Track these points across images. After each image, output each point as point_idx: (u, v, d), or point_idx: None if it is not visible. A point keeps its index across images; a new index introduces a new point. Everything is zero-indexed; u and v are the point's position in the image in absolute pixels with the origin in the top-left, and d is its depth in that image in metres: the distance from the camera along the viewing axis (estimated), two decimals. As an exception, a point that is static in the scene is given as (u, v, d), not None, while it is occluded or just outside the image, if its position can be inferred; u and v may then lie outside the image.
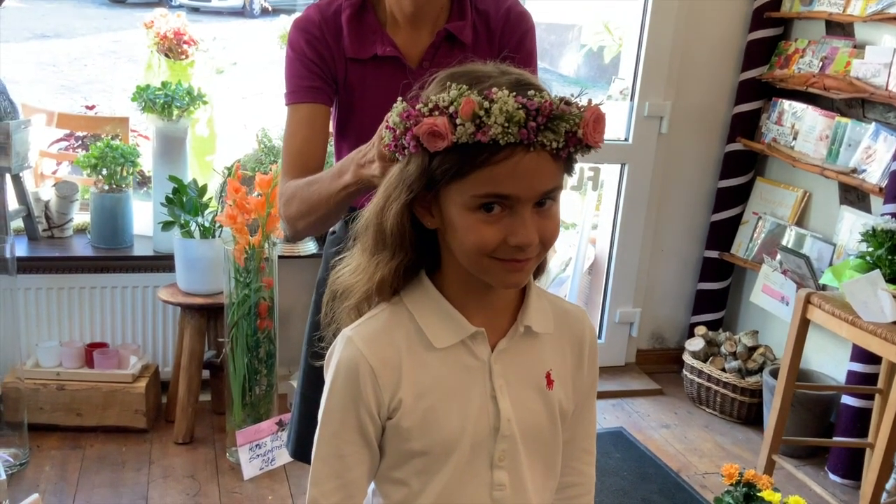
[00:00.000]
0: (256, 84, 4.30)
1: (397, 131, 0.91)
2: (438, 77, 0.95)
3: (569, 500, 1.11)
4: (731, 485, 2.40)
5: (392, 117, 0.92)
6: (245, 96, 4.24)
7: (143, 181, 3.30)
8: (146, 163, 3.14)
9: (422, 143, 0.89)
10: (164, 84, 2.90)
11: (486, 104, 0.86)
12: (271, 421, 2.69)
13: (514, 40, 1.43)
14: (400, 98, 0.93)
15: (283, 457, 2.70)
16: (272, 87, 3.74)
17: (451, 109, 0.87)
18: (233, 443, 2.68)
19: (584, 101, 0.90)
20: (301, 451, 1.57)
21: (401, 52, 1.41)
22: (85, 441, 2.76)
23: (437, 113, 0.88)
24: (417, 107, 0.89)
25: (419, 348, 0.98)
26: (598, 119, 0.90)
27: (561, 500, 1.10)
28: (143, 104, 2.84)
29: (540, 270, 1.03)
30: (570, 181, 0.97)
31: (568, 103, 0.89)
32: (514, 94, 0.87)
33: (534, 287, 1.03)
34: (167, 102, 2.83)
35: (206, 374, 2.95)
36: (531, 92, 0.88)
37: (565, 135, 0.88)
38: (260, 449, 2.64)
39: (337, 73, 1.42)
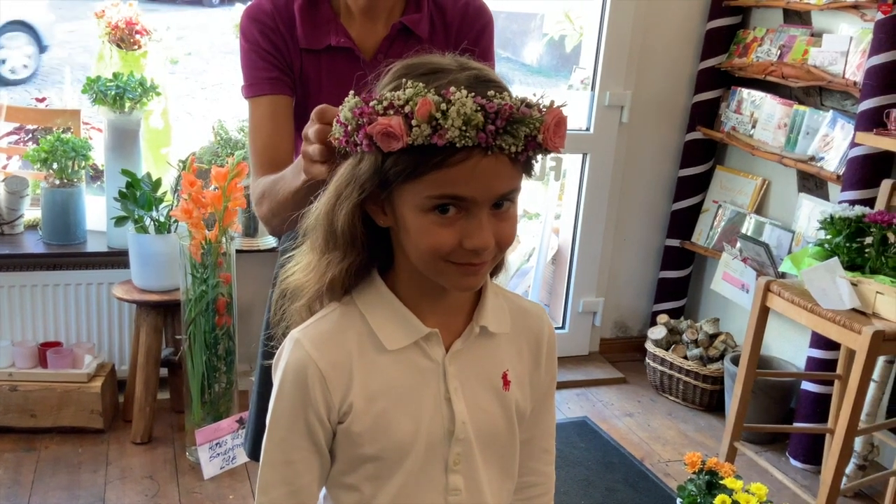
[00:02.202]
0: (212, 75, 4.23)
1: (349, 127, 0.88)
2: (393, 69, 0.91)
3: (528, 501, 1.09)
4: (694, 473, 2.41)
5: (344, 112, 0.88)
6: (201, 87, 4.17)
7: (96, 175, 3.22)
8: (98, 156, 3.06)
9: (375, 143, 0.85)
10: (115, 75, 2.82)
11: (444, 105, 0.82)
12: (231, 419, 2.65)
13: (472, 35, 1.40)
14: (352, 92, 0.89)
15: (244, 455, 2.65)
16: (228, 77, 3.67)
17: (407, 109, 0.83)
18: (192, 442, 2.64)
19: (545, 102, 0.87)
20: (257, 451, 1.53)
21: (355, 43, 1.37)
22: (39, 443, 2.69)
23: (391, 112, 0.84)
24: (371, 103, 0.85)
25: (371, 350, 0.95)
26: (559, 123, 0.86)
27: (520, 501, 1.08)
28: (94, 96, 2.77)
29: (498, 269, 1.00)
30: (534, 170, 0.93)
31: (529, 105, 0.85)
32: (473, 94, 0.83)
33: (490, 286, 1.01)
34: (119, 94, 2.76)
35: (163, 372, 2.89)
36: (491, 92, 0.84)
37: (525, 139, 0.85)
38: (220, 448, 2.60)
39: (293, 64, 1.38)
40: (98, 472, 2.57)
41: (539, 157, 0.89)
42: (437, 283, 0.94)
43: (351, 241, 0.92)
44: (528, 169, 0.90)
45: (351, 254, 0.93)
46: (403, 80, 0.86)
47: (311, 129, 1.00)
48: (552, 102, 0.87)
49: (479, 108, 0.82)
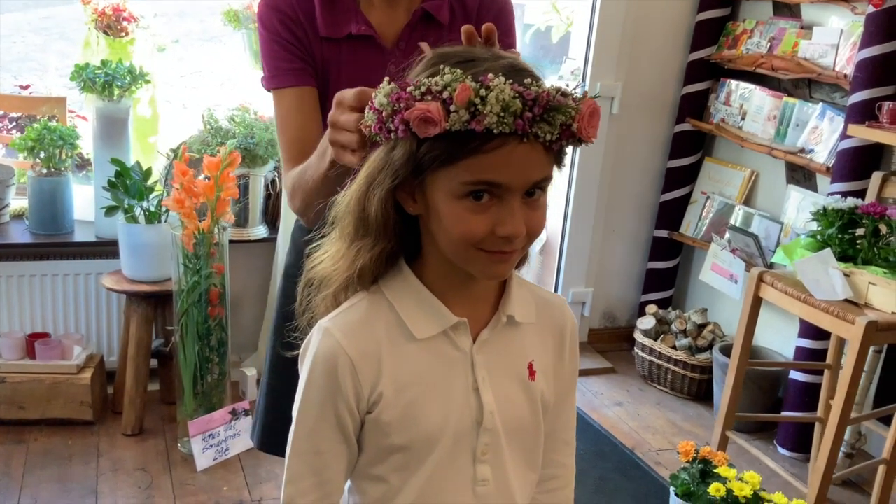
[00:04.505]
0: (191, 63, 4.17)
1: (383, 113, 0.87)
2: (427, 57, 0.90)
3: (549, 493, 1.09)
4: (688, 462, 2.44)
5: (378, 98, 0.87)
6: (180, 75, 4.11)
7: (82, 164, 3.18)
8: (85, 144, 3.02)
9: (411, 128, 0.84)
10: (103, 63, 2.78)
11: (483, 91, 0.82)
12: (224, 410, 2.63)
13: (491, 19, 1.39)
14: (387, 79, 0.88)
15: (237, 446, 2.64)
16: (208, 65, 3.64)
17: (445, 95, 0.83)
18: (184, 433, 2.62)
19: (579, 93, 0.87)
20: (268, 442, 1.52)
21: (376, 31, 1.36)
22: (29, 435, 2.66)
23: (429, 97, 0.83)
24: (408, 89, 0.85)
25: (400, 339, 0.94)
26: (593, 113, 0.87)
27: (541, 493, 1.08)
28: (83, 84, 2.73)
29: (522, 260, 1.00)
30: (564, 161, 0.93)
31: (564, 94, 0.85)
32: (511, 81, 0.83)
33: (515, 276, 1.00)
34: (108, 82, 2.72)
35: (153, 363, 2.86)
36: (528, 80, 0.84)
37: (560, 127, 0.85)
38: (213, 439, 2.58)
39: (313, 53, 1.36)
40: (89, 464, 2.54)
41: (571, 147, 0.89)
42: (465, 272, 0.93)
43: (384, 227, 0.91)
44: (559, 159, 0.90)
45: (382, 240, 0.92)
46: (441, 66, 0.85)
47: (343, 116, 0.99)
48: (585, 93, 0.87)
49: (517, 95, 0.82)
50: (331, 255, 0.96)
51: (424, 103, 0.83)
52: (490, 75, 0.83)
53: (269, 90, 1.39)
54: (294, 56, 1.35)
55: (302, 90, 1.36)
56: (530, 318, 1.01)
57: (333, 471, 0.96)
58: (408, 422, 0.94)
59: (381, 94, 0.87)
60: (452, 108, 0.82)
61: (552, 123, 0.84)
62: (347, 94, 0.99)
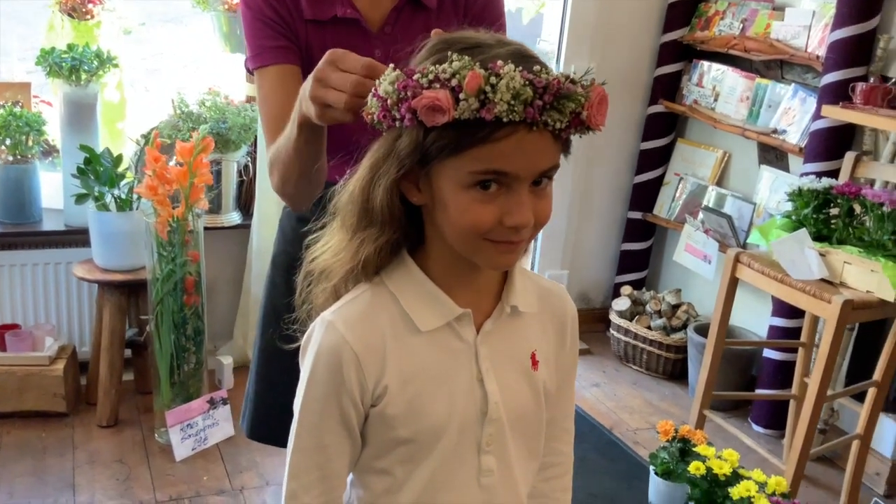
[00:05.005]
0: (152, 45, 4.08)
1: (388, 101, 0.85)
2: (431, 44, 0.88)
3: (548, 481, 1.09)
4: (668, 441, 2.46)
5: (383, 86, 0.85)
6: (144, 57, 4.02)
7: (48, 151, 3.10)
8: (51, 131, 2.94)
9: (418, 117, 0.83)
10: (70, 46, 2.71)
11: (493, 79, 0.80)
12: (202, 399, 2.60)
13: (480, 4, 1.37)
14: (391, 65, 0.86)
15: (216, 436, 2.62)
16: (177, 47, 3.56)
17: (454, 83, 0.81)
18: (161, 423, 2.58)
19: (587, 80, 0.85)
20: (258, 431, 1.51)
21: (361, 14, 1.33)
22: (1, 428, 2.60)
23: (437, 85, 0.81)
24: (415, 77, 0.83)
25: (404, 332, 0.93)
26: (602, 100, 0.85)
27: (541, 481, 1.08)
28: (49, 68, 2.66)
29: (525, 250, 0.99)
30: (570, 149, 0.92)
31: (573, 81, 0.84)
32: (521, 68, 0.81)
33: (517, 265, 0.99)
34: (75, 66, 2.66)
35: (127, 353, 2.82)
36: (536, 67, 0.83)
37: (569, 115, 0.83)
38: (192, 429, 2.55)
39: (297, 34, 1.33)
40: (65, 456, 2.50)
41: (579, 135, 0.88)
42: (469, 263, 0.92)
43: (389, 217, 0.89)
44: (566, 147, 0.89)
45: (388, 231, 0.90)
46: (448, 52, 0.83)
47: (336, 74, 0.94)
48: (593, 80, 0.86)
49: (527, 83, 0.81)
50: (332, 247, 0.94)
51: (432, 91, 0.81)
52: (499, 62, 0.81)
53: (251, 69, 1.36)
54: (277, 34, 1.32)
55: (284, 67, 1.33)
56: (532, 307, 1.00)
57: (337, 465, 0.95)
58: (413, 415, 0.93)
59: (387, 81, 0.85)
60: (462, 96, 0.81)
61: (562, 111, 0.83)
62: (349, 58, 0.95)
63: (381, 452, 0.96)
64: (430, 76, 0.82)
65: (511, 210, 0.86)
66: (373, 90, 0.87)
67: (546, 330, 1.02)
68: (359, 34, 1.33)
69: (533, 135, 0.83)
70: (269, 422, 1.49)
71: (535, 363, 0.99)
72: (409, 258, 0.95)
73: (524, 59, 0.84)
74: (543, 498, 1.08)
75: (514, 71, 0.81)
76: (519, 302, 0.98)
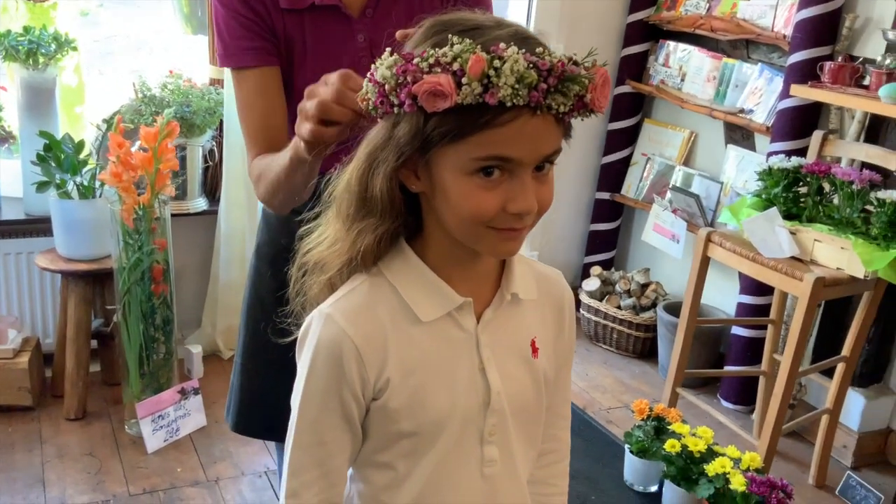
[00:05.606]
0: (105, 27, 3.97)
1: (386, 86, 0.82)
2: (425, 26, 0.85)
3: (545, 468, 1.08)
4: (642, 420, 2.49)
5: (381, 71, 0.82)
6: (97, 39, 3.91)
7: (5, 137, 3.00)
8: (8, 116, 2.85)
9: (418, 103, 0.80)
10: (26, 29, 2.62)
11: (497, 62, 0.78)
12: (173, 390, 2.56)
13: None
14: (389, 49, 0.83)
15: (188, 426, 2.58)
16: (130, 29, 3.47)
17: (455, 66, 0.78)
18: (131, 415, 2.54)
19: (589, 61, 0.84)
20: (243, 424, 1.48)
21: (341, 0, 1.30)
22: (-36, 424, 2.54)
23: (437, 69, 0.78)
24: (415, 61, 0.80)
25: (404, 323, 0.91)
26: (605, 82, 0.83)
27: (539, 468, 1.07)
28: (4, 52, 2.56)
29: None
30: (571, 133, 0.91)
31: (576, 63, 0.82)
32: (523, 51, 0.79)
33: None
34: (32, 49, 2.57)
35: (92, 344, 2.75)
36: (539, 49, 0.80)
37: (574, 98, 0.81)
38: (163, 420, 2.51)
39: (275, 27, 1.29)
40: (33, 451, 2.44)
41: (580, 118, 0.86)
42: (468, 250, 0.90)
43: (389, 206, 0.87)
44: (567, 131, 0.88)
45: (387, 220, 0.88)
46: (448, 35, 0.81)
47: (311, 101, 0.97)
48: (594, 62, 0.84)
49: (531, 66, 0.78)
50: (328, 238, 0.91)
51: (433, 76, 0.78)
52: (502, 45, 0.79)
53: (225, 67, 1.32)
54: (254, 34, 1.27)
55: (264, 70, 1.29)
56: (532, 294, 0.98)
57: (338, 460, 0.92)
58: (416, 407, 0.91)
59: (384, 66, 0.82)
60: (464, 80, 0.78)
61: (567, 94, 0.81)
62: (319, 83, 0.98)
63: (382, 446, 0.94)
64: (431, 60, 0.79)
65: (515, 196, 0.83)
66: (368, 75, 0.84)
67: (545, 316, 1.01)
68: (340, 20, 1.29)
69: (536, 119, 0.81)
70: (254, 415, 1.46)
71: (535, 350, 0.98)
72: (407, 247, 0.92)
73: (525, 40, 0.81)
74: (542, 484, 1.07)
75: (518, 53, 0.78)
76: (519, 289, 0.96)
